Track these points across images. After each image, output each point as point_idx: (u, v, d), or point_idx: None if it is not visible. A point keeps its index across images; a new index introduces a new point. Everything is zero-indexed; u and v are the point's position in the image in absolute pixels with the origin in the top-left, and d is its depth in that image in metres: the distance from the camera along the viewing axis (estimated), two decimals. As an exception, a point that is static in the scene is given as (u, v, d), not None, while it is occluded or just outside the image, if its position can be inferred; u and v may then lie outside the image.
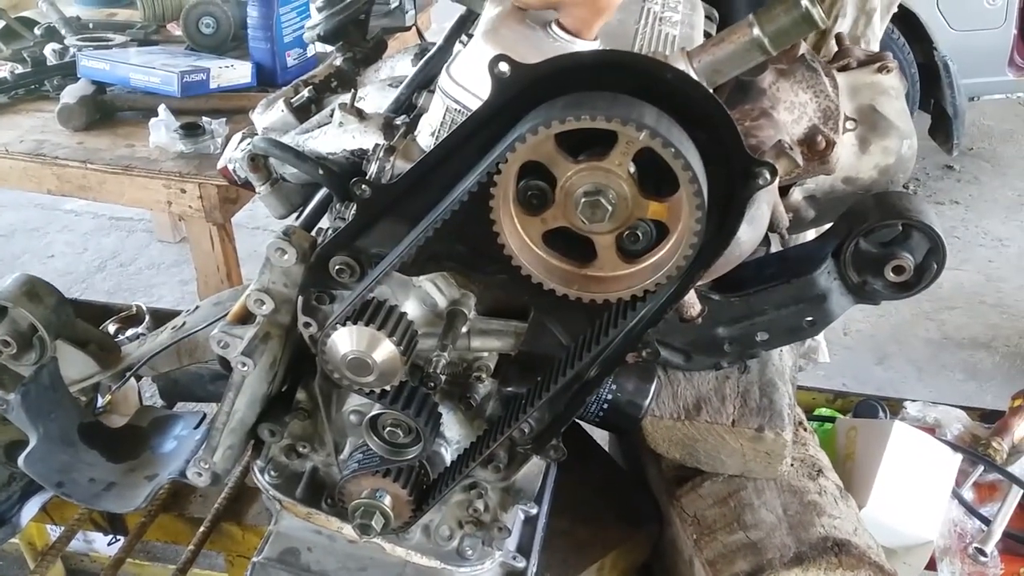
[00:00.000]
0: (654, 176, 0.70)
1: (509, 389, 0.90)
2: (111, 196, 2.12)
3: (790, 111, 1.03)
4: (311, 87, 1.03)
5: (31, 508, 1.35)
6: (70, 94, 2.22)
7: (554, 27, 0.80)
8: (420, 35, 1.45)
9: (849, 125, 1.06)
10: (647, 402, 1.07)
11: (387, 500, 0.91)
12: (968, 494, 1.31)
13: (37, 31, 2.80)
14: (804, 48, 1.06)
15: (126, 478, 1.08)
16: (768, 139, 0.97)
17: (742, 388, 1.10)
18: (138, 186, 2.04)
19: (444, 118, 0.80)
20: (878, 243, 1.01)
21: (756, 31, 0.77)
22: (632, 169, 0.69)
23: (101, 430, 1.12)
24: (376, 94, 0.98)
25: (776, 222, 0.98)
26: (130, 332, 1.61)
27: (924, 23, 3.95)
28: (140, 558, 2.32)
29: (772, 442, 1.04)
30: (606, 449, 1.39)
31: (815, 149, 1.02)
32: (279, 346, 0.90)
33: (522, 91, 0.70)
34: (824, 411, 1.51)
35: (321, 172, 0.89)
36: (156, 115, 2.11)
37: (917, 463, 1.23)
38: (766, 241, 1.20)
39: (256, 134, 1.01)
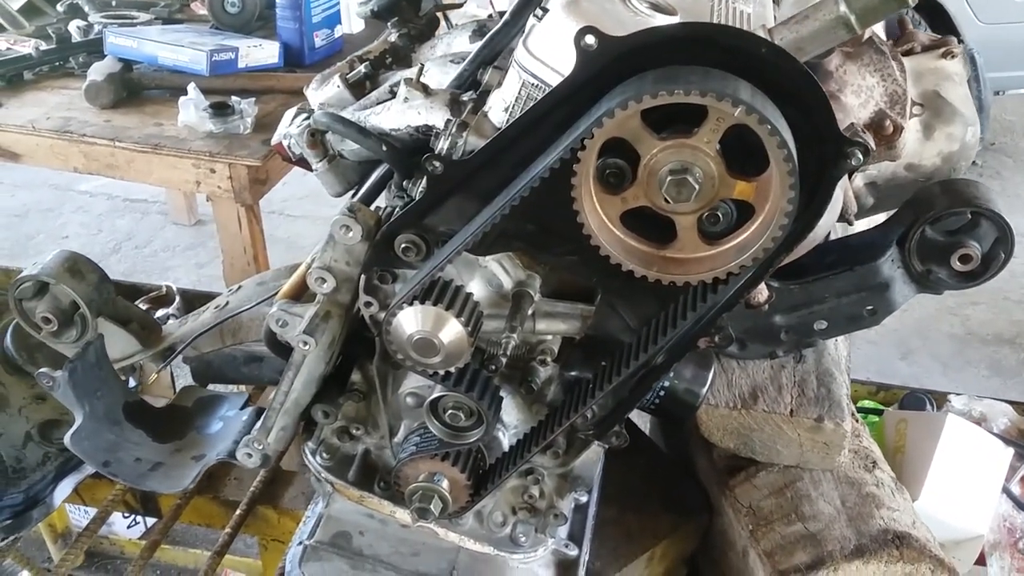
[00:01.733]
0: (738, 156, 0.68)
1: (572, 374, 0.88)
2: (139, 175, 2.10)
3: (857, 94, 1.00)
4: (367, 63, 1.01)
5: (64, 489, 1.34)
6: (97, 71, 2.19)
7: (634, 2, 0.77)
8: (446, 19, 1.42)
9: (916, 110, 1.03)
10: (704, 390, 1.05)
11: (445, 484, 0.90)
12: (1016, 489, 1.29)
13: (60, 7, 2.78)
14: (871, 31, 1.04)
15: (172, 458, 1.06)
16: (843, 124, 0.95)
17: (799, 377, 1.08)
18: (167, 165, 2.02)
19: (520, 93, 0.78)
20: (944, 231, 0.99)
21: (843, 8, 0.75)
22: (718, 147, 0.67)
23: (146, 409, 1.10)
24: (437, 70, 0.95)
25: (845, 208, 0.96)
26: (160, 313, 1.59)
27: (952, 15, 3.91)
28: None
29: (832, 432, 1.02)
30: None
31: (882, 134, 1.00)
32: (339, 326, 0.88)
33: (608, 65, 0.68)
34: (867, 403, 1.49)
35: (384, 148, 0.87)
36: (184, 94, 2.09)
37: (969, 457, 1.21)
38: (824, 228, 1.18)
39: (310, 111, 0.99)
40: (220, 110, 2.07)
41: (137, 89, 2.25)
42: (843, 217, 0.98)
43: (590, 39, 0.67)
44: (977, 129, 1.09)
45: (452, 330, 0.78)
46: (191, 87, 2.08)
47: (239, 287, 1.23)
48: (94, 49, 2.38)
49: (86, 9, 2.68)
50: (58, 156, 2.11)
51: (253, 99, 2.14)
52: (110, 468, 1.02)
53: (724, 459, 1.12)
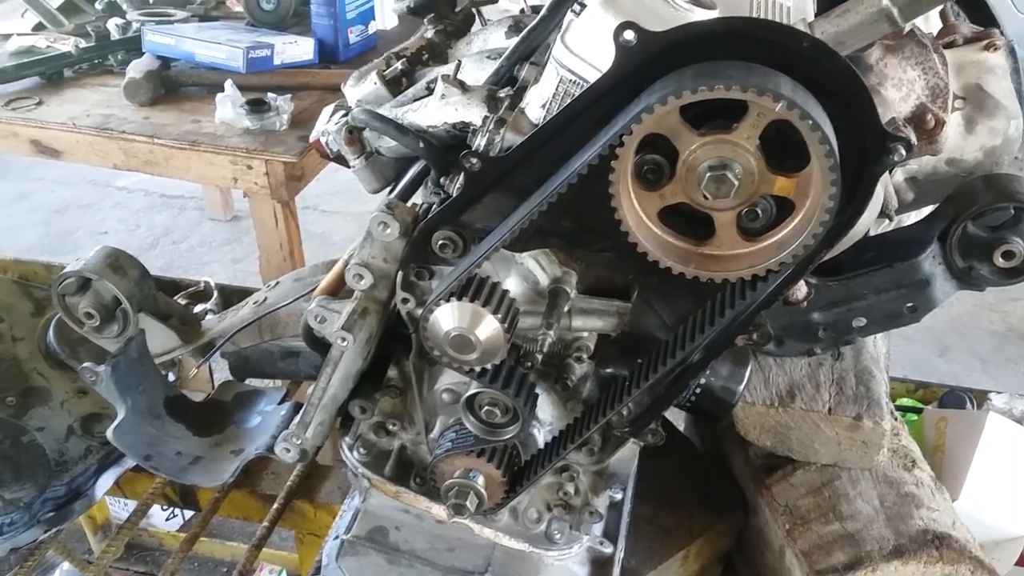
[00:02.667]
0: (777, 152, 0.68)
1: (608, 371, 0.88)
2: (177, 172, 2.13)
3: (898, 88, 0.98)
4: (403, 60, 1.01)
5: (106, 481, 1.36)
6: (136, 69, 2.22)
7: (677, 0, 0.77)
8: (480, 16, 1.41)
9: (957, 104, 1.01)
10: (741, 387, 1.04)
11: (480, 480, 0.90)
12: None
13: (98, 5, 2.82)
14: (912, 23, 1.02)
15: (212, 452, 1.08)
16: (891, 117, 0.94)
17: (837, 375, 1.07)
18: (204, 162, 2.04)
19: (557, 89, 0.78)
20: (987, 227, 0.97)
21: (886, 2, 0.74)
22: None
23: (186, 404, 1.12)
24: (473, 67, 0.95)
25: (886, 204, 0.95)
26: (199, 308, 1.61)
27: (991, 5, 3.84)
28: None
29: (871, 431, 1.01)
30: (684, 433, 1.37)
31: (924, 128, 0.98)
32: (376, 322, 0.88)
33: (647, 61, 0.67)
34: (905, 401, 1.47)
35: (422, 145, 0.87)
36: (221, 91, 2.11)
37: (1010, 456, 1.20)
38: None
39: (347, 108, 1.00)
40: (256, 106, 2.09)
41: (175, 86, 2.28)
42: (884, 212, 0.97)
43: (629, 34, 0.66)
44: (1020, 122, 1.07)
45: (489, 327, 0.78)
46: (228, 84, 2.10)
47: (277, 283, 1.24)
48: (132, 47, 2.41)
49: (124, 7, 2.72)
50: (98, 153, 2.14)
51: (289, 95, 2.16)
52: (151, 462, 1.04)
53: (760, 457, 1.11)
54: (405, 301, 0.85)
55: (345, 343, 0.85)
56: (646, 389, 0.83)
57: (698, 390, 1.03)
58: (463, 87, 0.86)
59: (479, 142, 0.80)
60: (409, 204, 0.95)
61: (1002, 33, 1.16)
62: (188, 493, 1.46)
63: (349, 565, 0.98)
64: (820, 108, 0.65)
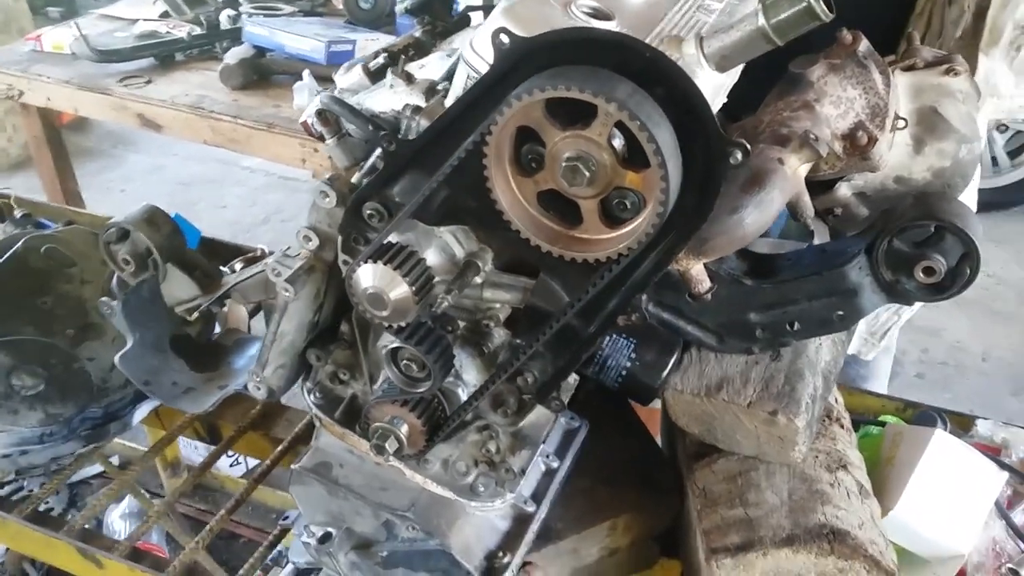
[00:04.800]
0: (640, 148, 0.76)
1: (517, 340, 0.98)
2: (256, 150, 2.34)
3: (836, 105, 1.03)
4: (388, 55, 1.14)
5: (143, 410, 1.55)
6: (232, 56, 2.46)
7: (573, 8, 0.86)
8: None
9: (899, 124, 1.05)
10: (664, 374, 1.13)
11: (404, 428, 1.01)
12: (1020, 517, 1.27)
13: (220, -3, 3.10)
14: (864, 45, 1.07)
15: (203, 386, 1.24)
16: (804, 129, 0.99)
17: (768, 374, 1.12)
18: (278, 143, 2.24)
19: (465, 84, 0.89)
20: (911, 242, 1.01)
21: (761, 21, 0.81)
22: (618, 140, 0.76)
23: (190, 343, 1.28)
24: (437, 63, 1.07)
25: (800, 211, 1.00)
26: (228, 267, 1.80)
27: None
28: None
29: (784, 427, 1.06)
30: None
31: (856, 144, 1.03)
32: (321, 279, 1.01)
33: (519, 61, 0.77)
34: (891, 418, 1.49)
35: (371, 128, 1.00)
36: (302, 79, 2.31)
37: (956, 474, 1.21)
38: (810, 233, 1.21)
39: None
40: (330, 95, 2.27)
41: (266, 73, 2.50)
42: (796, 218, 1.02)
43: (504, 37, 0.77)
44: (976, 147, 1.10)
45: (399, 288, 0.90)
46: (305, 73, 2.30)
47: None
48: (237, 36, 2.65)
49: (241, 0, 2.98)
50: (191, 129, 2.38)
51: (363, 87, 2.33)
52: (149, 387, 1.21)
53: (694, 445, 1.18)
54: (345, 263, 0.97)
55: (288, 293, 0.98)
56: (545, 358, 0.93)
57: (624, 372, 1.11)
58: (409, 79, 0.98)
59: (402, 127, 0.92)
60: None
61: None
62: (213, 430, 1.64)
63: (297, 492, 1.12)
64: (659, 112, 0.73)
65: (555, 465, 1.18)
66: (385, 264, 0.89)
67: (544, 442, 1.07)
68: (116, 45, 2.64)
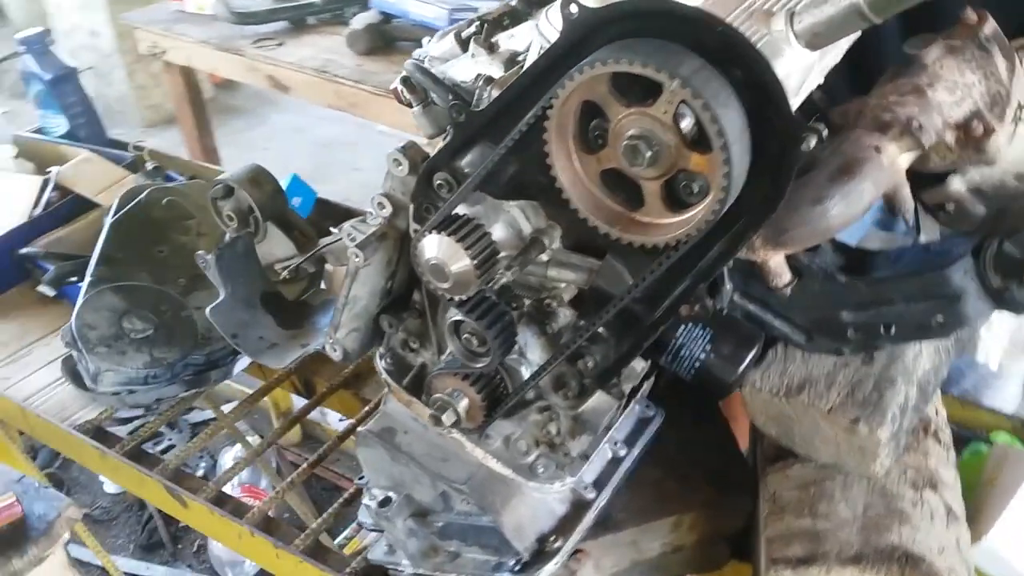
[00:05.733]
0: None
1: (582, 322, 0.95)
2: (374, 115, 2.38)
3: (951, 91, 0.94)
4: (481, 23, 1.12)
5: (244, 361, 1.62)
6: (359, 21, 2.50)
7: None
8: None
9: (1021, 114, 0.95)
10: (739, 369, 1.07)
11: (464, 402, 1.00)
12: None
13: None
14: (990, 26, 0.97)
15: (287, 343, 1.27)
16: (908, 116, 0.92)
17: (856, 379, 1.05)
18: (395, 108, 2.25)
19: (537, 56, 0.86)
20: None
21: (858, -4, 0.74)
22: (688, 120, 0.71)
23: (280, 300, 1.32)
24: (527, 32, 1.04)
25: (898, 205, 0.93)
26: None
27: None
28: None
29: (865, 437, 0.99)
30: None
31: (971, 135, 0.94)
32: (394, 247, 1.02)
33: (588, 33, 0.74)
34: (1005, 437, 1.37)
35: (451, 97, 0.98)
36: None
37: (1066, 506, 1.10)
38: (917, 229, 1.12)
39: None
40: (449, 63, 2.28)
41: (391, 40, 2.53)
42: (893, 212, 0.94)
43: (573, 7, 0.74)
44: (1114, 145, 0.98)
45: (460, 261, 0.88)
46: (425, 40, 2.30)
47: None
48: (365, 2, 2.70)
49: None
50: (315, 91, 2.45)
51: (483, 56, 2.33)
52: (236, 340, 1.25)
53: (772, 447, 1.12)
54: (415, 231, 0.97)
55: (358, 259, 0.99)
56: (608, 342, 0.91)
57: (697, 364, 1.07)
58: (491, 48, 0.96)
59: (475, 97, 0.90)
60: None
61: None
62: (308, 384, 1.70)
63: (363, 454, 1.14)
64: (730, 92, 0.69)
65: (623, 453, 1.15)
66: (449, 235, 0.88)
67: (613, 428, 1.05)
68: (253, 7, 2.73)
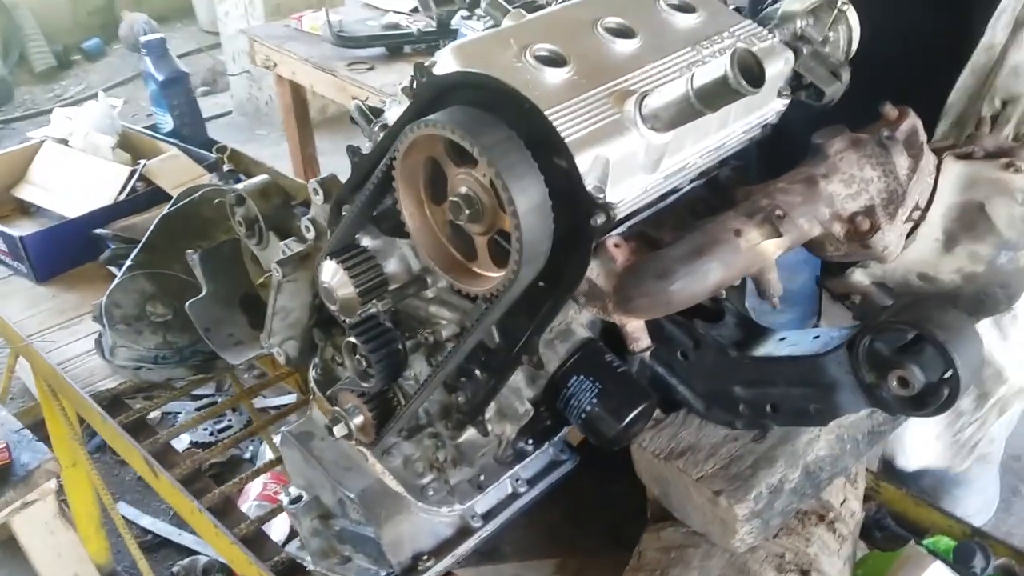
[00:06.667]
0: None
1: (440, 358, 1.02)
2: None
3: (847, 184, 0.95)
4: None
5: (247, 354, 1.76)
6: (441, 53, 2.64)
7: (527, 52, 0.87)
8: None
9: (915, 215, 0.95)
10: (621, 425, 1.10)
11: (360, 419, 1.09)
12: None
13: (466, -1, 3.31)
14: (908, 123, 0.97)
15: (252, 342, 1.39)
16: (787, 205, 0.94)
17: (739, 453, 1.07)
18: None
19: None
20: (892, 347, 0.91)
21: (688, 87, 0.78)
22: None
23: (258, 303, 1.45)
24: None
25: (763, 289, 0.94)
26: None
27: None
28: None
29: (725, 510, 1.00)
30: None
31: (857, 229, 0.94)
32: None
33: (437, 97, 0.82)
34: (943, 540, 1.32)
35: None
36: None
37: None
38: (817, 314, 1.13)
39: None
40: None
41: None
42: (761, 296, 0.95)
43: (420, 73, 0.82)
44: (1020, 256, 0.96)
45: (346, 288, 0.98)
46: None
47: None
48: (456, 36, 2.84)
49: (482, 3, 3.17)
50: (389, 116, 2.60)
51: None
52: (208, 334, 1.39)
53: (659, 506, 1.14)
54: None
55: (278, 274, 1.10)
56: (473, 379, 0.98)
57: (583, 415, 1.11)
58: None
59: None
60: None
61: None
62: (305, 383, 1.82)
63: (283, 452, 1.24)
64: (527, 165, 0.75)
65: (522, 491, 1.20)
66: (339, 263, 0.97)
67: (520, 465, 1.11)
68: (357, 32, 2.93)
